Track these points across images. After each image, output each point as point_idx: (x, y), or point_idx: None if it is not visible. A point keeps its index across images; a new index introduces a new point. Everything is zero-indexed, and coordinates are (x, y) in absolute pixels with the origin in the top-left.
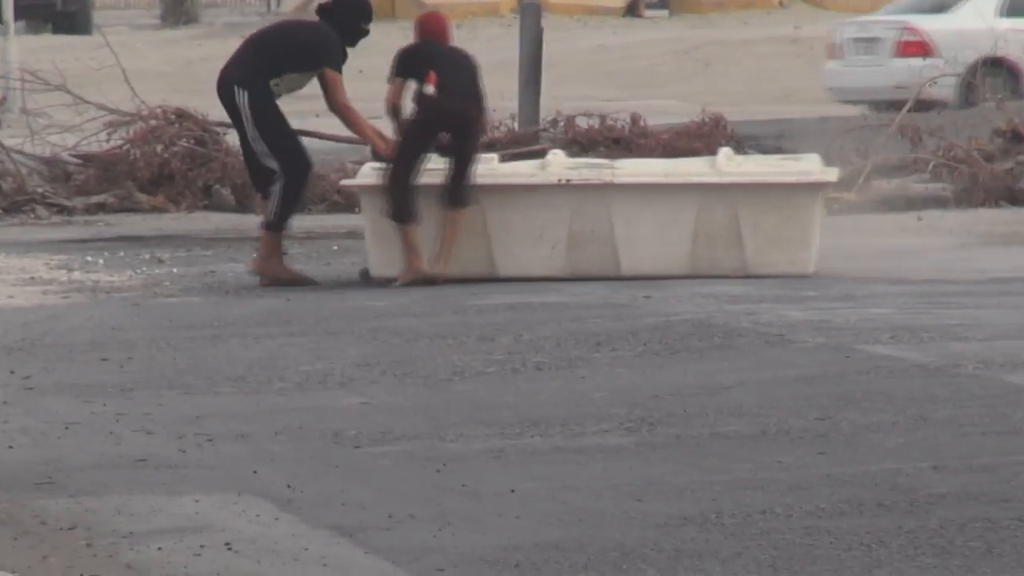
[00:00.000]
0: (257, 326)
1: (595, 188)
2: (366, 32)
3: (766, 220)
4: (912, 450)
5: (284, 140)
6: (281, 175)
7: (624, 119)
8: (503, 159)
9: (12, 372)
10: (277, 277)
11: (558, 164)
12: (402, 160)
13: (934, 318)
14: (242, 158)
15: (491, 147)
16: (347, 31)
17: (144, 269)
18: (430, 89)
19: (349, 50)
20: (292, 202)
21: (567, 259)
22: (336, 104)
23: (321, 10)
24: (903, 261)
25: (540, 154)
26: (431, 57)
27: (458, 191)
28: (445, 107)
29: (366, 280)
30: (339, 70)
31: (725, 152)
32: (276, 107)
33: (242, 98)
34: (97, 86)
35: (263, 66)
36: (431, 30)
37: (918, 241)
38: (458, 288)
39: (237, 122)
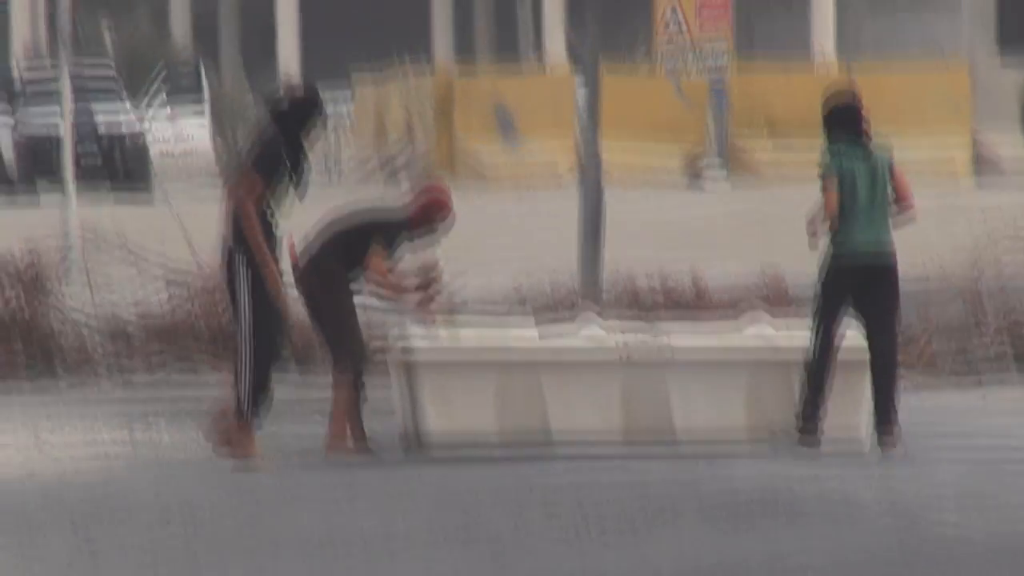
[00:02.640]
0: (322, 491)
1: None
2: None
3: None
4: None
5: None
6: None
7: (685, 281)
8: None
9: (76, 534)
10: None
11: (606, 331)
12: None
13: (1000, 486)
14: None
15: (553, 309)
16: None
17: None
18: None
19: None
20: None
21: (624, 425)
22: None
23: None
24: (966, 426)
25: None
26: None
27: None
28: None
29: (415, 447)
30: (262, 172)
31: (758, 318)
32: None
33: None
34: (159, 247)
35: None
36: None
37: (981, 405)
38: (519, 454)
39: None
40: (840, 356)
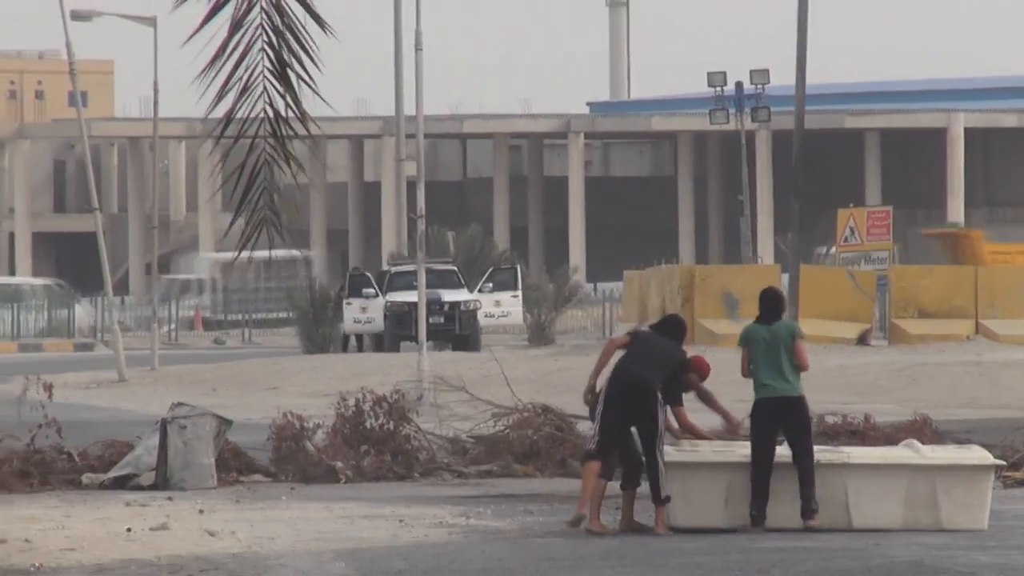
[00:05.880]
0: (600, 559)
1: (835, 466)
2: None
3: (955, 490)
4: None
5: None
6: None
7: (859, 417)
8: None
9: None
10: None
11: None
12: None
13: None
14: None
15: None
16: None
17: (519, 518)
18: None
19: None
20: None
21: None
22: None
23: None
24: None
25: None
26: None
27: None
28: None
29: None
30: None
31: (911, 443)
32: None
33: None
34: (486, 388)
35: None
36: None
37: None
38: (743, 536)
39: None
40: (968, 463)
